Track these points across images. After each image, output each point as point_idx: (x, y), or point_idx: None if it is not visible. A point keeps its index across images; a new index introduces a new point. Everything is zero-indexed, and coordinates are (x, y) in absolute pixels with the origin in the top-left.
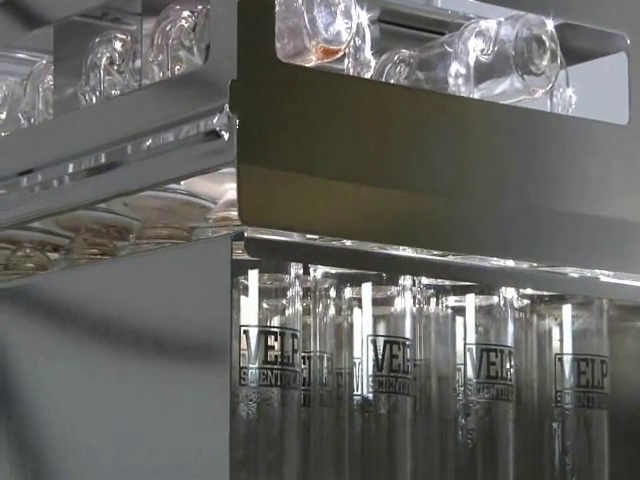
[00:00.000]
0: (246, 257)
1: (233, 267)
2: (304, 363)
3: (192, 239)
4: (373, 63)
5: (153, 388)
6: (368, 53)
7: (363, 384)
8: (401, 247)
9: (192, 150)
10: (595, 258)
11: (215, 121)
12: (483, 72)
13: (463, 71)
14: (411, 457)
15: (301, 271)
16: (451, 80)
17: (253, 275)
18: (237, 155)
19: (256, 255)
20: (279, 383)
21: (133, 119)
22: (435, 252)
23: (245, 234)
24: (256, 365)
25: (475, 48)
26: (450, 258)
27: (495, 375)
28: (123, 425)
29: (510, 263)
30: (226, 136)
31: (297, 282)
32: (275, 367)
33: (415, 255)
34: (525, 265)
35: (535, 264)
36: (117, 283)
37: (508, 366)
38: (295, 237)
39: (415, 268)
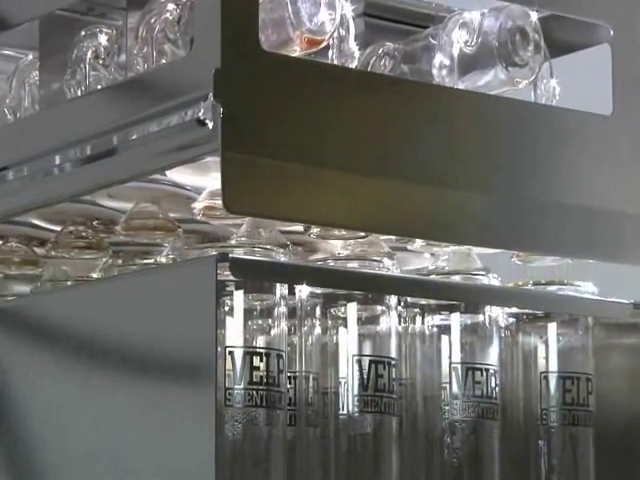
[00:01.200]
0: (231, 278)
1: (218, 288)
2: (290, 383)
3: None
4: (357, 54)
5: (138, 409)
6: (352, 44)
7: (349, 404)
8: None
9: (177, 139)
10: (581, 248)
11: (200, 110)
12: (467, 64)
13: (447, 63)
14: (397, 476)
15: (286, 291)
16: (435, 72)
17: (238, 296)
18: (221, 143)
19: (241, 276)
20: (265, 404)
21: (118, 110)
22: (421, 242)
23: (230, 255)
24: (241, 386)
25: (459, 40)
26: (435, 277)
27: (480, 394)
28: (109, 446)
29: (495, 280)
30: (210, 125)
31: (282, 302)
32: (261, 388)
33: (400, 275)
34: (511, 284)
35: (522, 254)
36: (103, 304)
37: (493, 384)
38: (280, 258)
39: (401, 288)
